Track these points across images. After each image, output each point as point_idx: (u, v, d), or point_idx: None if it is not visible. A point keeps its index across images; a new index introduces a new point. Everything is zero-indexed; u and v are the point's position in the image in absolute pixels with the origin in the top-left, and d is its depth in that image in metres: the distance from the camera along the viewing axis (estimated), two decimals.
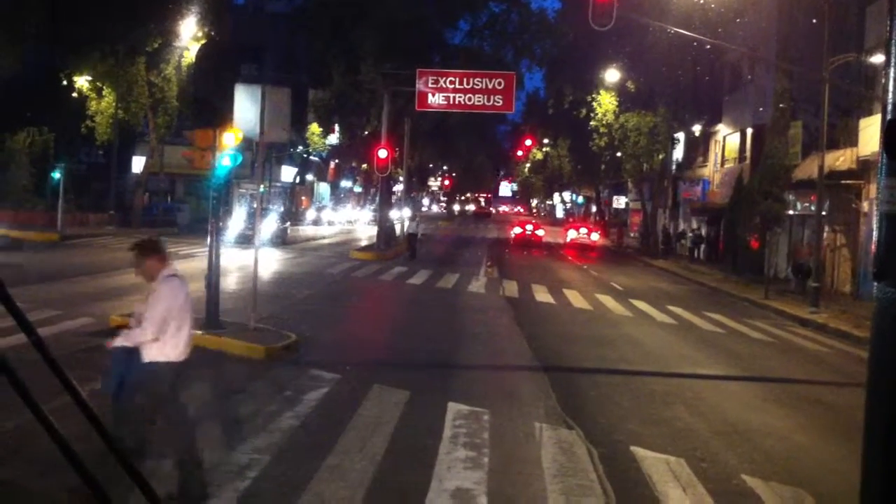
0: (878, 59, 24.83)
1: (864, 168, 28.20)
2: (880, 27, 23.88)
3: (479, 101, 35.95)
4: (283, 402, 10.36)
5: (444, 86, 35.77)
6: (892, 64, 2.57)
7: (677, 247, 52.36)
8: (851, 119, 29.34)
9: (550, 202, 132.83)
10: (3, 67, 36.01)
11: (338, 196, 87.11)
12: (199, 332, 13.82)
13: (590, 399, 12.03)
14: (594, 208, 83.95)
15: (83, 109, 42.74)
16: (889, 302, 2.47)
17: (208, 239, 14.51)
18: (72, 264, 25.42)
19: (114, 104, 42.55)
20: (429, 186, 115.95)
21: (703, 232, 49.92)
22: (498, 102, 35.96)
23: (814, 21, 26.68)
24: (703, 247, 48.85)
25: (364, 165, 71.00)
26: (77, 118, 42.31)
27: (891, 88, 2.56)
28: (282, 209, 52.42)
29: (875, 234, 2.66)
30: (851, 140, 28.81)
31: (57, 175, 35.97)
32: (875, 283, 2.58)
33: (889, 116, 2.55)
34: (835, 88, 26.38)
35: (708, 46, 33.23)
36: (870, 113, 26.88)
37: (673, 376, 14.27)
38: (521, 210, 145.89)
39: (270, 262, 29.43)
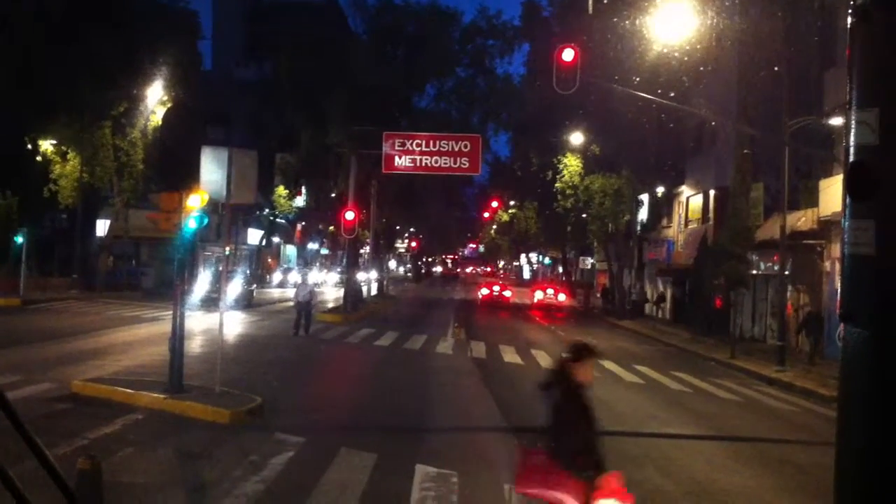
0: (836, 121, 25.33)
1: (825, 228, 28.60)
2: (838, 91, 24.41)
3: (446, 164, 36.14)
4: (248, 467, 10.16)
5: (410, 148, 35.99)
6: (854, 108, 2.61)
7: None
8: (811, 180, 29.85)
9: (517, 263, 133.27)
10: None
11: (305, 258, 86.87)
12: (163, 396, 13.65)
13: None
14: (561, 269, 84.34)
15: (47, 173, 42.43)
16: (857, 342, 2.48)
17: (173, 302, 14.32)
18: (32, 329, 24.98)
19: (79, 168, 42.32)
20: (396, 248, 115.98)
21: (664, 292, 51.48)
22: (464, 165, 36.21)
23: (775, 84, 27.23)
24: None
25: (331, 228, 71.06)
26: (41, 182, 41.96)
27: (853, 132, 2.60)
28: (247, 271, 52.15)
29: (839, 278, 2.69)
30: (812, 201, 29.26)
31: (20, 239, 35.56)
32: (842, 326, 2.59)
33: (852, 159, 2.58)
34: (795, 151, 26.86)
35: (671, 111, 33.74)
36: (829, 174, 27.36)
37: (642, 436, 14.20)
38: (489, 271, 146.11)
39: (236, 325, 29.17)
